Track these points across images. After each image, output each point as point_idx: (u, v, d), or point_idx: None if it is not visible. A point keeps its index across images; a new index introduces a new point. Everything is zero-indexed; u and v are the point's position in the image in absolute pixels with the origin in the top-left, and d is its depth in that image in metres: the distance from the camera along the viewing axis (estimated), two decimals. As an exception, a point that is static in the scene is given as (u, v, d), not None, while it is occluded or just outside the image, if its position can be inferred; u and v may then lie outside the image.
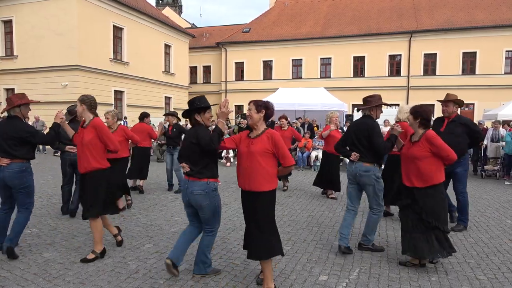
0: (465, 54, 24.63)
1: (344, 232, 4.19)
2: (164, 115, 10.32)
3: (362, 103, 4.33)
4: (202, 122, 3.38)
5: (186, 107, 3.48)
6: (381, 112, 4.39)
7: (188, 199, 3.32)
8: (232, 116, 23.72)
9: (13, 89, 20.34)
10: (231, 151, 12.38)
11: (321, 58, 27.62)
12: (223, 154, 12.69)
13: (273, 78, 28.64)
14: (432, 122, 4.73)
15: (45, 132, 18.97)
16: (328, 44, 27.23)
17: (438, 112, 19.02)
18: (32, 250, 4.15)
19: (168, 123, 8.07)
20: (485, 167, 10.50)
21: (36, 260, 3.89)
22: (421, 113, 3.76)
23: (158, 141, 13.32)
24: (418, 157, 3.68)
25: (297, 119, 15.31)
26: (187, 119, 3.64)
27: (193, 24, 47.67)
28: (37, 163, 12.53)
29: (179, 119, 7.92)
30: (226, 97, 29.66)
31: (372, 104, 4.18)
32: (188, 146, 3.34)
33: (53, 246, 4.32)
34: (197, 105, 3.36)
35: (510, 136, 10.00)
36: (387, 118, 12.72)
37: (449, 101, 5.10)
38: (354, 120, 4.07)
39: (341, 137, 4.65)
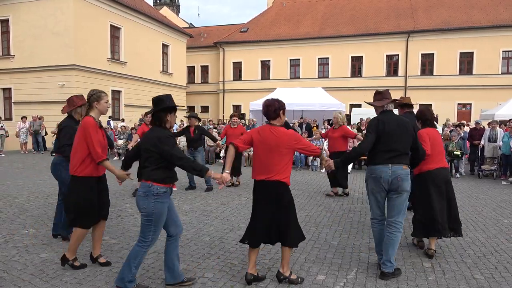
0: (462, 54, 24.73)
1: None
2: (186, 117, 10.57)
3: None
4: (171, 123, 3.19)
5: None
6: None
7: None
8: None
9: (9, 89, 20.28)
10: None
11: (318, 58, 27.66)
12: (221, 154, 12.65)
13: (271, 78, 28.66)
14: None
15: (42, 132, 18.39)
16: (325, 44, 27.27)
17: (437, 112, 19.05)
18: (29, 251, 4.13)
19: (189, 125, 8.23)
20: (482, 166, 10.55)
21: (33, 260, 3.87)
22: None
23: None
24: None
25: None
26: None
27: (190, 24, 47.63)
28: (34, 163, 12.48)
29: (200, 120, 8.57)
30: (224, 96, 29.79)
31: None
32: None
33: (50, 246, 4.30)
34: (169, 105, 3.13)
35: (507, 136, 10.06)
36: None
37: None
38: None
39: None
